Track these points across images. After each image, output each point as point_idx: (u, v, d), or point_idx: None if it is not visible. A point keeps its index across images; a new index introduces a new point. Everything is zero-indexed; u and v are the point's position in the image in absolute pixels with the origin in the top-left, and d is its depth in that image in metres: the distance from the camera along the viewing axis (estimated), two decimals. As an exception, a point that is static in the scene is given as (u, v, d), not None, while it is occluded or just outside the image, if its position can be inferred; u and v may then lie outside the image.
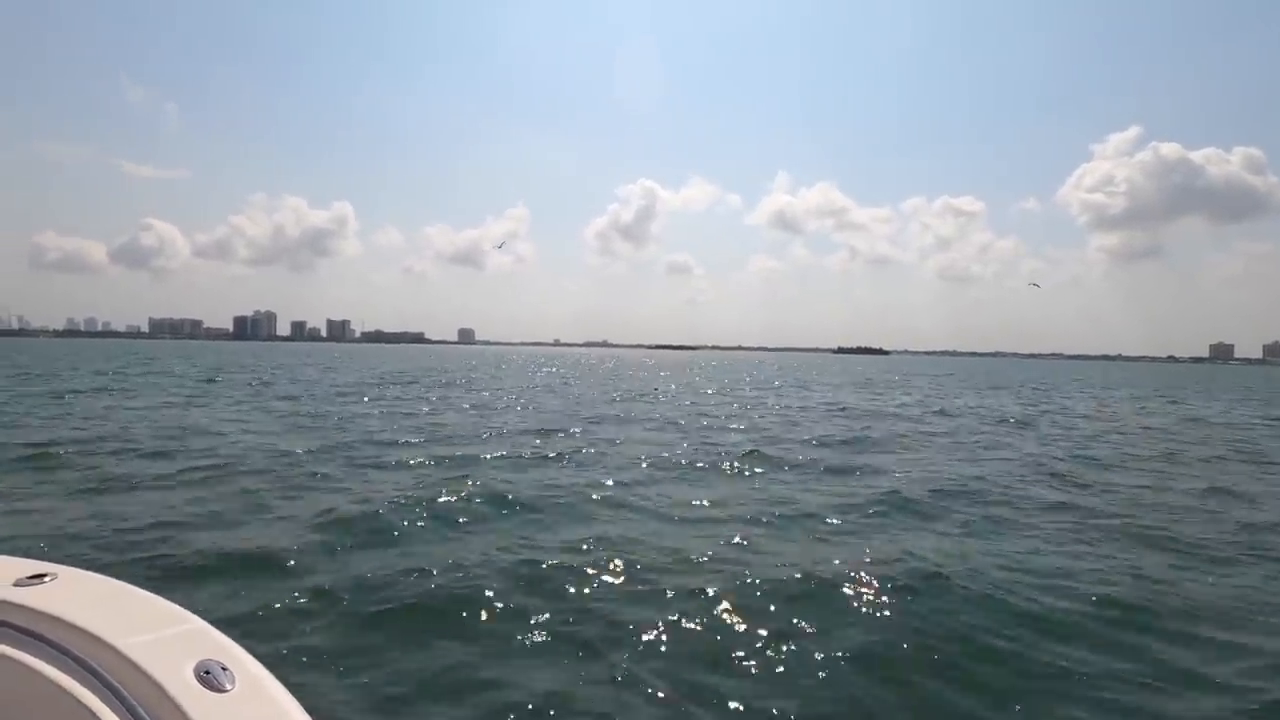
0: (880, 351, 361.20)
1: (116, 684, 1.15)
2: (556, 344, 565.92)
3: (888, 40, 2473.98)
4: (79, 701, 1.13)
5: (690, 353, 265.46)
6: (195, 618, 1.35)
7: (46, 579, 1.43)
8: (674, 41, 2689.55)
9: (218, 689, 1.13)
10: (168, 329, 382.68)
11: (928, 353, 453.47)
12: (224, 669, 1.17)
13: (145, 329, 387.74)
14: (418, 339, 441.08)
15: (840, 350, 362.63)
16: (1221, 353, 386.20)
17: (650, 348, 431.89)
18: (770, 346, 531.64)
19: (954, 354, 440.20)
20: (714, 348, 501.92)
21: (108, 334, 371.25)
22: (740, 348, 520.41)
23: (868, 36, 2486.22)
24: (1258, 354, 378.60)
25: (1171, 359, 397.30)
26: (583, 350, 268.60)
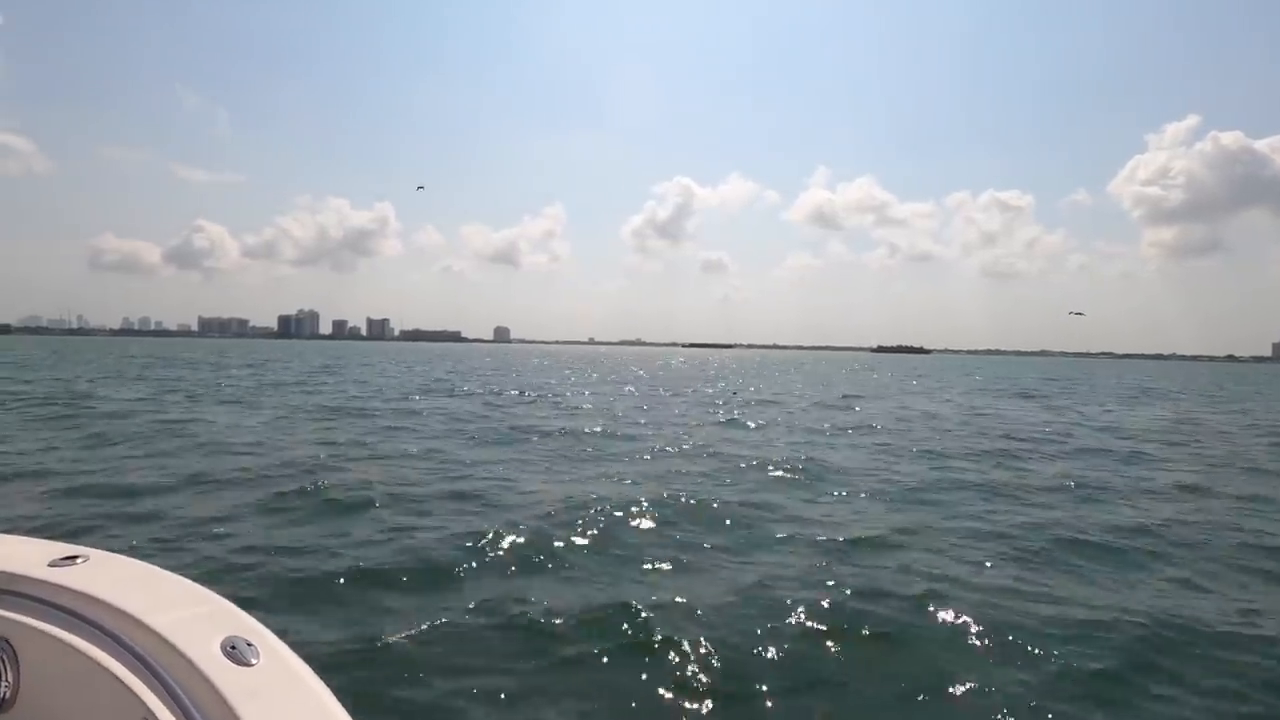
0: (921, 350, 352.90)
1: (149, 658, 1.21)
2: (591, 342, 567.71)
3: (934, 31, 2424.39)
4: (112, 674, 1.19)
5: (725, 351, 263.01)
6: (221, 598, 1.41)
7: (79, 560, 1.50)
8: (716, 38, 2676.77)
9: (243, 663, 1.19)
10: (216, 327, 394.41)
11: (970, 351, 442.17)
12: (249, 644, 1.24)
13: (195, 327, 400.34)
14: (455, 337, 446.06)
15: (880, 349, 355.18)
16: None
17: (685, 346, 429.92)
18: (806, 345, 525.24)
19: (998, 353, 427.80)
20: (749, 346, 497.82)
21: (160, 333, 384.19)
22: (775, 346, 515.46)
23: (913, 27, 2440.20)
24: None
25: (1231, 358, 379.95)
26: (618, 349, 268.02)
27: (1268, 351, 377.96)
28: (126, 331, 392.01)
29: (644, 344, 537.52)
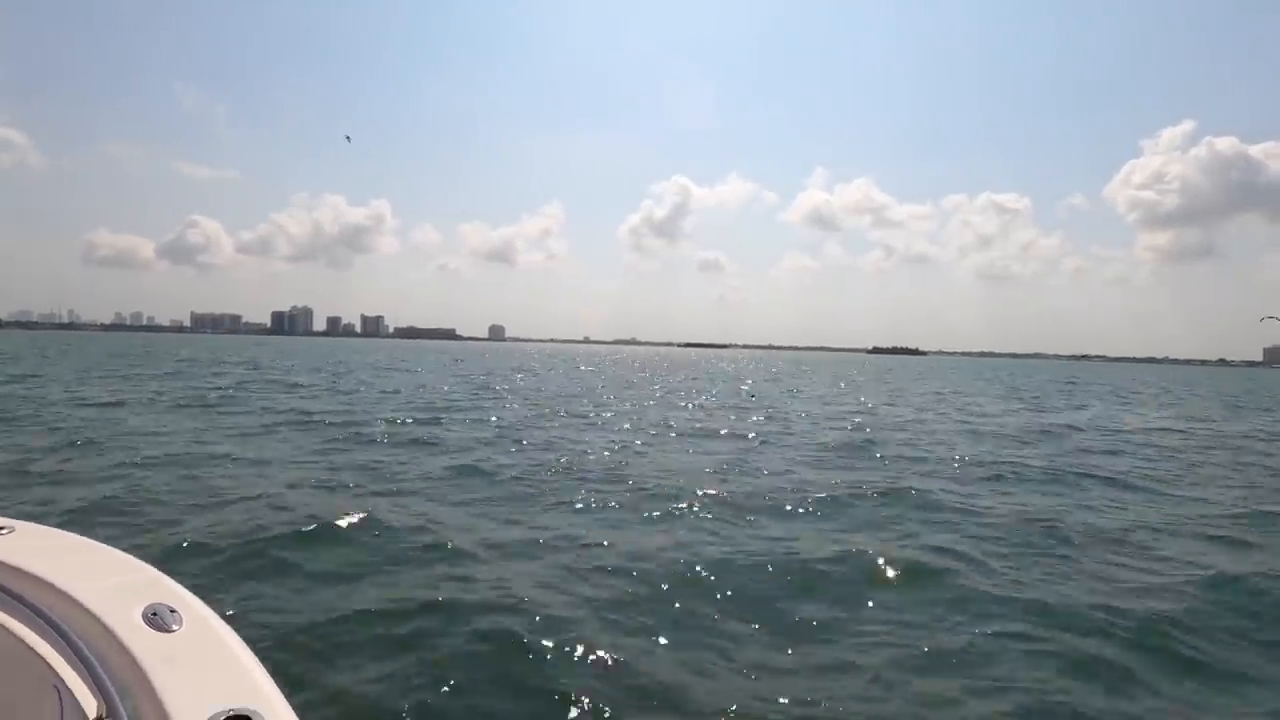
0: (916, 352, 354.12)
1: (64, 627, 1.20)
2: (586, 341, 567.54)
3: (934, 34, 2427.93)
4: (25, 644, 1.19)
5: (720, 351, 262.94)
6: (149, 567, 1.40)
7: (4, 532, 1.47)
8: (717, 39, 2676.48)
9: (164, 629, 1.19)
10: (209, 323, 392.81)
11: (964, 353, 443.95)
12: (172, 611, 1.23)
13: (187, 323, 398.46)
14: (449, 335, 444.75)
15: (875, 350, 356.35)
16: (1276, 357, 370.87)
17: (681, 346, 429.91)
18: (802, 346, 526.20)
19: (992, 355, 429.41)
20: (745, 346, 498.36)
21: (152, 328, 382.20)
22: (771, 346, 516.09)
23: (915, 30, 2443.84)
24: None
25: (1223, 362, 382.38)
26: (613, 348, 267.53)
27: (1259, 356, 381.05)
28: (118, 326, 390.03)
29: (639, 343, 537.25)
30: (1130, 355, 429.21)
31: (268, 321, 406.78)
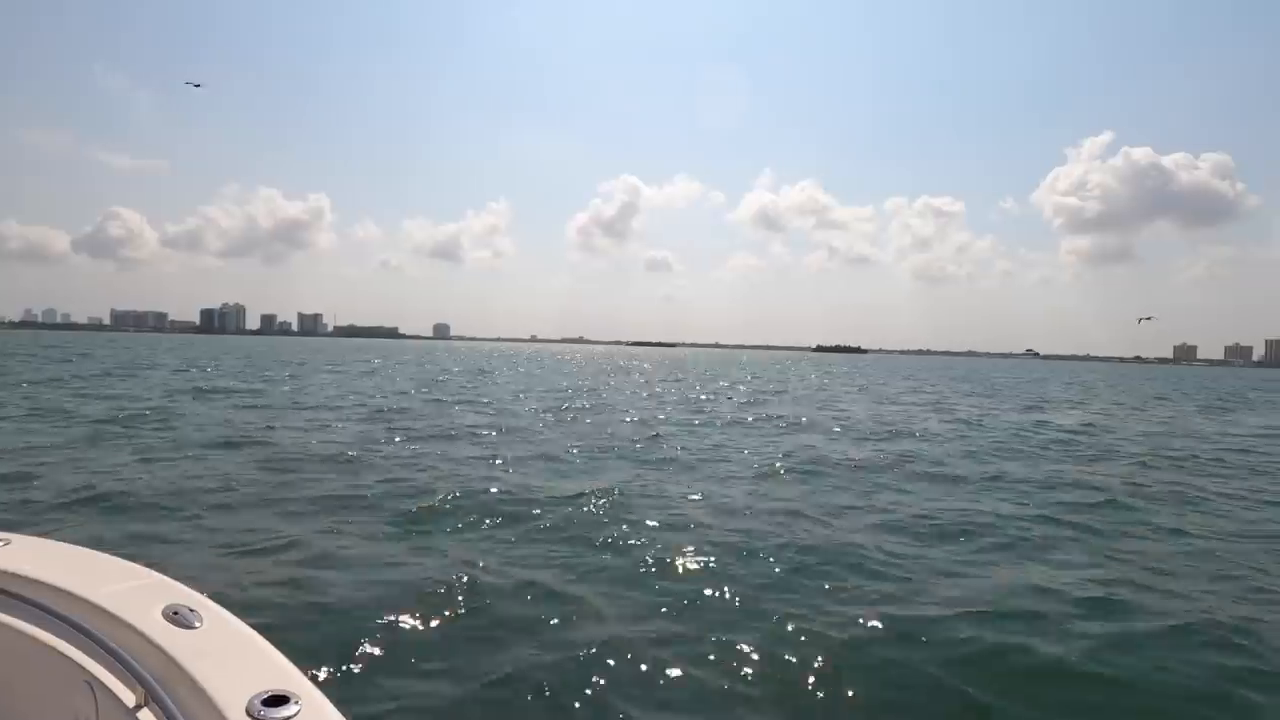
0: (858, 350, 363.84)
1: (89, 628, 1.22)
2: (533, 340, 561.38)
3: (878, 43, 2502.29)
4: (49, 647, 1.22)
5: (669, 350, 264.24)
6: (154, 572, 1.47)
7: (1, 544, 1.51)
8: (667, 38, 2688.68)
9: (188, 626, 1.23)
10: (131, 321, 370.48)
11: (903, 351, 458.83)
12: (191, 610, 1.28)
13: (107, 321, 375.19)
14: (392, 334, 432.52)
15: (819, 349, 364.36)
16: (1185, 354, 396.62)
17: (629, 344, 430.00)
18: (748, 344, 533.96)
19: (929, 353, 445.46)
20: (692, 345, 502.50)
21: (67, 326, 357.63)
22: (718, 345, 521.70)
23: (859, 37, 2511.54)
24: (1219, 355, 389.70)
25: (1138, 359, 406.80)
26: (562, 347, 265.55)
27: (1169, 353, 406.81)
28: (28, 324, 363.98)
29: (587, 342, 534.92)
30: (1057, 353, 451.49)
31: (196, 319, 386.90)
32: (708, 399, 22.12)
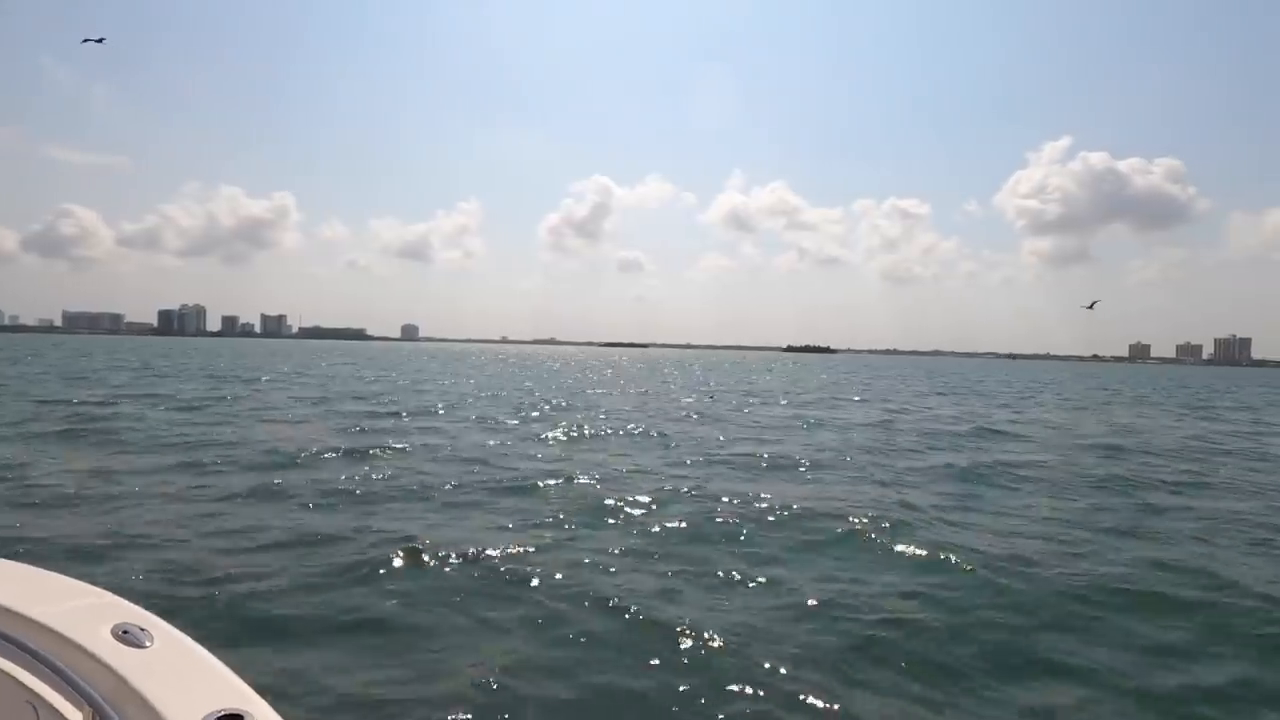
0: (828, 350, 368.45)
1: (34, 647, 1.18)
2: (504, 341, 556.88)
3: (845, 43, 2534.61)
4: (3, 673, 1.17)
5: (643, 351, 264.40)
6: (105, 591, 1.42)
7: None
8: (638, 39, 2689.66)
9: (138, 645, 1.20)
10: (85, 323, 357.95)
11: (871, 351, 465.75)
12: (141, 629, 1.24)
13: (59, 323, 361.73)
14: (359, 335, 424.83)
15: (790, 349, 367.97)
16: (1139, 352, 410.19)
17: (601, 345, 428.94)
18: (720, 345, 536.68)
19: (897, 352, 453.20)
20: (664, 345, 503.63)
21: (15, 328, 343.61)
22: (690, 345, 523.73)
23: (827, 39, 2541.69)
24: (1171, 354, 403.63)
25: (1095, 358, 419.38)
26: (535, 348, 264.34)
27: (1125, 352, 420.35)
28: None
29: (559, 343, 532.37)
30: (1020, 352, 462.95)
31: (154, 321, 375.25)
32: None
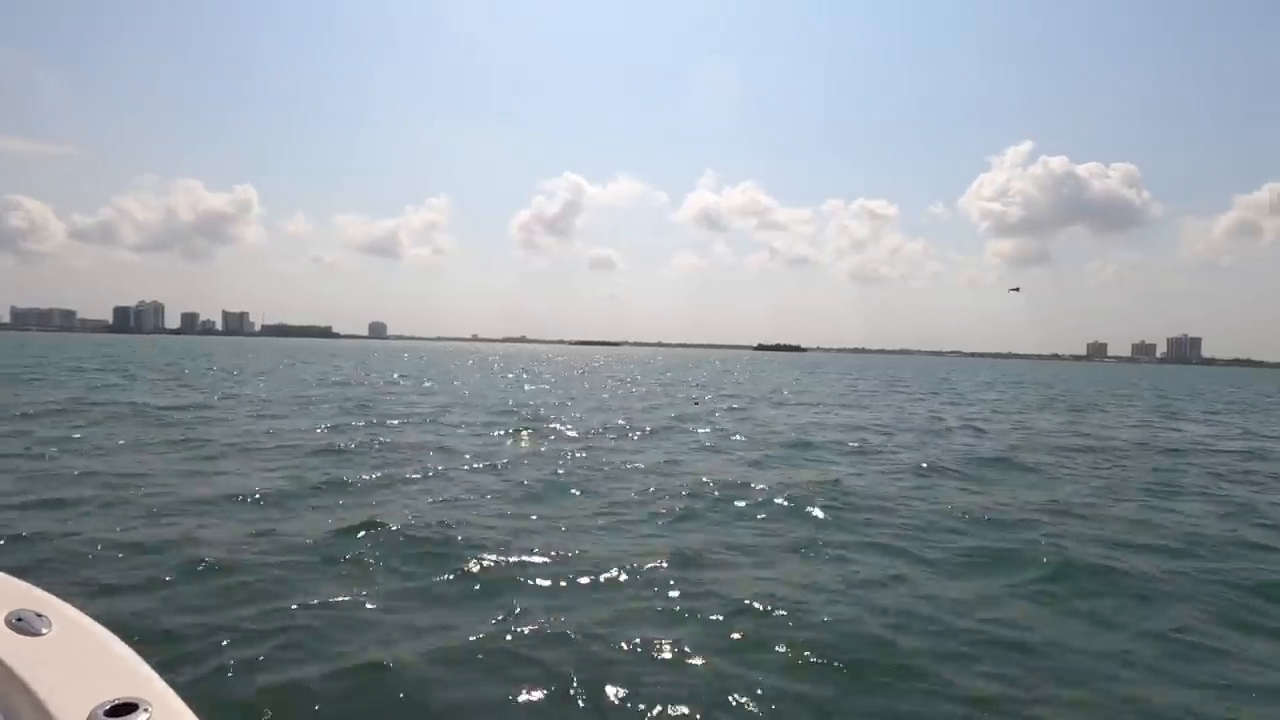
0: (798, 349, 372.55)
1: None
2: (475, 339, 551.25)
3: (812, 46, 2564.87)
4: None
5: (614, 349, 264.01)
6: (9, 576, 1.32)
7: None
8: (608, 36, 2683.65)
9: (32, 633, 1.14)
10: (34, 319, 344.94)
11: (840, 350, 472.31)
12: (39, 615, 1.18)
13: (7, 319, 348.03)
14: (325, 333, 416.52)
15: (761, 348, 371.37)
16: (1097, 351, 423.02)
17: (572, 344, 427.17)
18: (691, 343, 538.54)
19: (866, 351, 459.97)
20: (636, 344, 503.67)
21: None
22: (661, 344, 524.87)
23: (794, 42, 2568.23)
24: (1127, 353, 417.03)
25: (1055, 357, 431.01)
26: (505, 346, 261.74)
27: (1083, 351, 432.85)
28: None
29: (530, 341, 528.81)
30: (983, 351, 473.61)
31: (109, 318, 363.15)
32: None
